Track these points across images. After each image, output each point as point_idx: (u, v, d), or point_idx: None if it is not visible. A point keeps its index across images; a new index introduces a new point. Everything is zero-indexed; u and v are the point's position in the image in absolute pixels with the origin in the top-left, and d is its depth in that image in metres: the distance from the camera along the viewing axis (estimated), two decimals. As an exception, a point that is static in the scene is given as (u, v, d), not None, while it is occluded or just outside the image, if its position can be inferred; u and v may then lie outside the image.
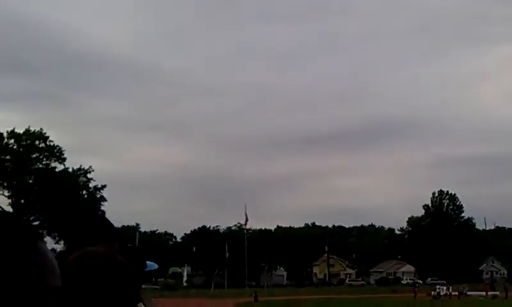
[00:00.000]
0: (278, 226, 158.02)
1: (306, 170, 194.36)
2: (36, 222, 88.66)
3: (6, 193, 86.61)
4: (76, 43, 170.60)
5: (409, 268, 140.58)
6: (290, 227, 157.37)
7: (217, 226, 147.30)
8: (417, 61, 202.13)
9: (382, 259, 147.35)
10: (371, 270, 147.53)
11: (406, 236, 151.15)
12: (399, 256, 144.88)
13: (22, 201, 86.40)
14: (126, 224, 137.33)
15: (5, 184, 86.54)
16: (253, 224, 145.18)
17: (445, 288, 78.78)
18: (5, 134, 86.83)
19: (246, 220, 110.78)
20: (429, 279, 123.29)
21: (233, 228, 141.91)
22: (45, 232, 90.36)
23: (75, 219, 3.11)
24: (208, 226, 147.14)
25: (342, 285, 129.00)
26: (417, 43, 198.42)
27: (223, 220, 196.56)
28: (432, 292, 73.91)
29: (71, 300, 1.62)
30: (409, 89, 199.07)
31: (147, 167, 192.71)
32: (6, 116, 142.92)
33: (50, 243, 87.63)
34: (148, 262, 4.54)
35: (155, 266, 4.80)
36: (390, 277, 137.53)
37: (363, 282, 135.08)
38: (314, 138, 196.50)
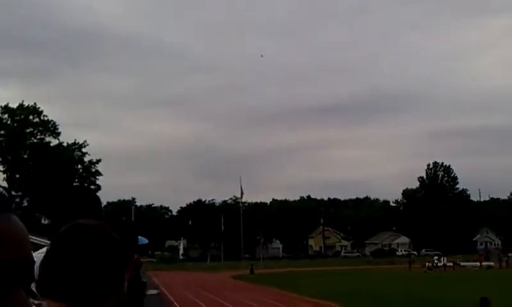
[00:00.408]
0: (273, 199, 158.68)
1: (301, 143, 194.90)
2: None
3: (1, 168, 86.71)
4: (72, 17, 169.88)
5: (404, 239, 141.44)
6: (285, 200, 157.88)
7: (212, 200, 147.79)
8: (412, 32, 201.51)
9: (377, 231, 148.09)
10: (366, 242, 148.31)
11: (401, 208, 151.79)
12: (394, 228, 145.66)
13: (17, 175, 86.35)
14: (122, 199, 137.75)
15: (0, 159, 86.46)
16: (249, 198, 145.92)
17: (443, 258, 79.12)
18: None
19: (242, 193, 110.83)
20: (424, 250, 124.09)
21: (229, 201, 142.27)
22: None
23: (61, 194, 3.09)
24: (203, 200, 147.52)
25: (337, 257, 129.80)
26: (413, 13, 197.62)
27: (218, 193, 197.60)
28: (427, 263, 74.30)
29: (61, 271, 1.62)
30: (404, 60, 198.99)
31: (143, 141, 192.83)
32: (1, 91, 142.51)
33: (43, 219, 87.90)
34: (139, 237, 4.56)
35: (145, 240, 4.82)
36: (385, 248, 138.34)
37: (358, 254, 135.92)
38: (309, 111, 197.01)
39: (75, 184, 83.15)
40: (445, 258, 79.84)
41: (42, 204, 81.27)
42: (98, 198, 3.35)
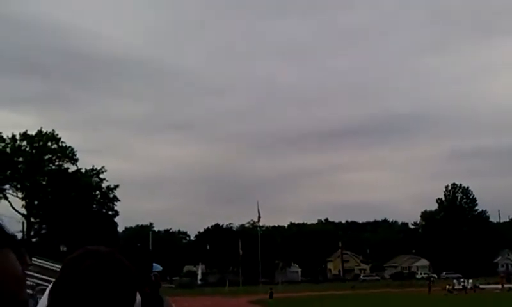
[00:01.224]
0: (291, 223, 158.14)
1: (318, 166, 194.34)
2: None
3: (20, 195, 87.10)
4: (88, 44, 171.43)
5: (423, 262, 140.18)
6: (303, 223, 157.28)
7: (230, 224, 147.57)
8: (429, 54, 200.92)
9: (396, 254, 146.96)
10: (385, 265, 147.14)
11: (419, 231, 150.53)
12: (413, 251, 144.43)
13: (36, 202, 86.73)
14: (140, 224, 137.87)
15: (18, 186, 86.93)
16: (266, 221, 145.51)
17: (464, 281, 78.20)
18: (17, 136, 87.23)
19: (259, 217, 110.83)
20: (444, 273, 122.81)
21: (247, 225, 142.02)
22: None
23: (78, 221, 3.04)
24: (221, 224, 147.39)
25: (356, 280, 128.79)
26: (429, 36, 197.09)
27: (236, 218, 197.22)
28: (447, 286, 73.50)
29: (71, 298, 1.62)
30: (420, 82, 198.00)
31: (160, 166, 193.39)
32: (19, 118, 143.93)
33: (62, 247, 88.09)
34: (153, 264, 4.51)
35: (160, 267, 4.79)
36: (404, 271, 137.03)
37: (377, 277, 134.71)
38: (327, 133, 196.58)
39: (92, 209, 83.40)
40: (466, 281, 78.95)
41: (60, 231, 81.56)
42: (114, 223, 3.29)
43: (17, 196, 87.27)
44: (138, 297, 3.83)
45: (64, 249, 75.93)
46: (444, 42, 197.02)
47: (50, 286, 1.76)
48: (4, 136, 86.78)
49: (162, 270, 5.10)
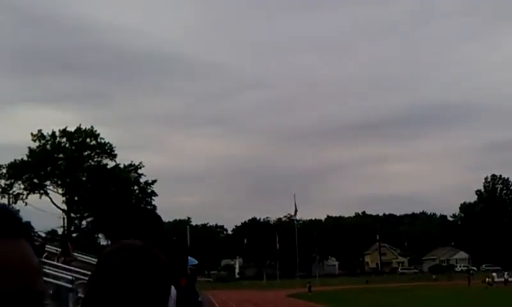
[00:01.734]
0: (328, 216, 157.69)
1: (355, 158, 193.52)
2: (89, 219, 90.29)
3: (60, 191, 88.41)
4: (127, 41, 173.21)
5: (462, 255, 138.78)
6: (340, 216, 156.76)
7: (267, 218, 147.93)
8: (466, 43, 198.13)
9: (435, 247, 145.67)
10: (424, 258, 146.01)
11: (458, 223, 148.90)
12: (452, 243, 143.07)
13: (76, 198, 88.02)
14: (177, 219, 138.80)
15: (59, 182, 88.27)
16: (303, 215, 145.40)
17: (505, 273, 77.22)
18: (57, 133, 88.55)
19: (296, 211, 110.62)
20: (484, 265, 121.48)
21: (283, 219, 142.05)
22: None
23: (123, 214, 3.19)
24: (258, 218, 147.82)
25: (394, 274, 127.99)
26: (469, 23, 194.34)
27: (273, 211, 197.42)
28: (487, 279, 72.65)
29: (106, 291, 1.66)
30: (461, 71, 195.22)
31: (197, 161, 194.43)
32: (59, 115, 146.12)
33: (102, 239, 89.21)
34: (189, 258, 4.64)
35: (195, 261, 4.93)
36: (443, 264, 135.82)
37: (416, 270, 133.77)
38: (363, 126, 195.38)
39: (135, 203, 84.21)
40: (507, 273, 77.98)
41: (103, 225, 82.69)
42: (159, 218, 3.45)
43: (58, 192, 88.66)
44: (173, 291, 4.03)
45: (106, 242, 76.83)
46: (483, 30, 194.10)
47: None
48: (45, 133, 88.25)
49: (199, 264, 5.25)
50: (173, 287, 3.97)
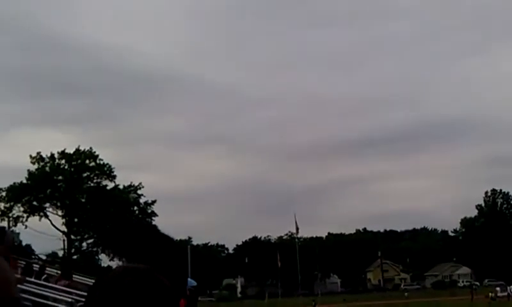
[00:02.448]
0: (329, 233, 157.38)
1: (355, 175, 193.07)
2: (90, 241, 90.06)
3: (60, 213, 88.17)
4: (127, 61, 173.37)
5: (465, 270, 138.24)
6: (341, 233, 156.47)
7: (268, 236, 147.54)
8: (465, 58, 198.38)
9: (437, 263, 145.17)
10: (426, 274, 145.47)
11: (460, 238, 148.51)
12: (454, 259, 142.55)
13: (76, 219, 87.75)
14: (178, 238, 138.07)
15: (58, 204, 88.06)
16: (304, 233, 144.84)
17: (510, 288, 76.67)
18: (56, 155, 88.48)
19: (297, 229, 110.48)
20: (487, 280, 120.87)
21: (285, 237, 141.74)
22: (99, 249, 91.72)
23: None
24: (259, 237, 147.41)
25: (397, 290, 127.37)
26: (470, 39, 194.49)
27: (274, 230, 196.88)
28: (490, 294, 72.27)
29: None
30: (461, 87, 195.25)
31: (197, 180, 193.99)
32: (58, 136, 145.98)
33: (105, 260, 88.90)
34: (188, 279, 4.52)
35: (194, 283, 4.83)
36: (446, 280, 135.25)
37: (418, 286, 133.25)
38: (362, 143, 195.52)
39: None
40: (510, 288, 77.51)
41: (105, 247, 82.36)
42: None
43: (57, 214, 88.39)
44: None
45: (115, 260, 76.58)
46: (486, 45, 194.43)
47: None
48: (44, 155, 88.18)
49: (200, 283, 5.14)
50: None
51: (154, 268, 1.75)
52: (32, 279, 14.90)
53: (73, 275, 17.36)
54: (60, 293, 13.34)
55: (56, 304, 13.24)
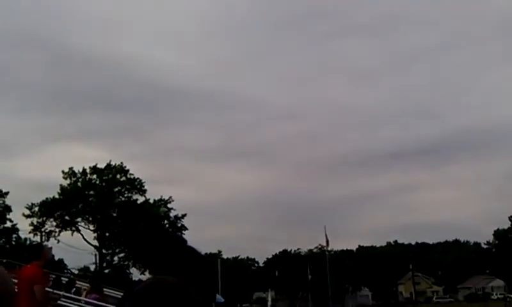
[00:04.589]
0: (359, 246, 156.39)
1: (386, 187, 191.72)
2: (122, 254, 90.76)
3: (92, 227, 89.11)
4: (157, 75, 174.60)
5: (498, 282, 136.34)
6: (372, 246, 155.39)
7: (298, 249, 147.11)
8: (500, 67, 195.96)
9: (470, 275, 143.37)
10: (459, 287, 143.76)
11: (493, 250, 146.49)
12: (488, 271, 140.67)
13: (107, 234, 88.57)
14: (208, 252, 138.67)
15: (90, 219, 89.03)
16: (334, 245, 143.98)
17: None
18: (88, 170, 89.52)
19: (327, 241, 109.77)
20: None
21: (315, 250, 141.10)
22: (130, 263, 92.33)
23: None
24: (289, 250, 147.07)
25: (429, 303, 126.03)
26: (499, 48, 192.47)
27: (303, 243, 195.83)
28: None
29: None
30: (492, 96, 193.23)
31: (227, 193, 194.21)
32: (89, 152, 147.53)
33: (136, 274, 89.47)
34: (216, 295, 4.67)
35: (222, 300, 4.90)
36: (479, 292, 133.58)
37: (451, 299, 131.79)
38: (392, 154, 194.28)
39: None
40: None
41: (136, 260, 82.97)
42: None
43: (89, 229, 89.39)
44: None
45: (145, 273, 76.99)
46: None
47: None
48: (76, 170, 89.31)
49: (230, 298, 5.24)
50: None
51: (183, 281, 1.77)
52: (62, 293, 15.19)
53: (104, 289, 17.62)
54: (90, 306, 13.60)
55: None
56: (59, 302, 13.93)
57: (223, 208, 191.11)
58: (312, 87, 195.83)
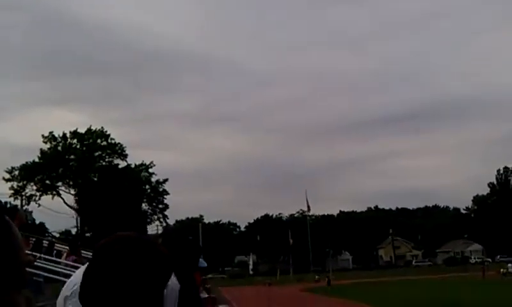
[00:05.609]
0: (340, 211, 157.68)
1: (367, 153, 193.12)
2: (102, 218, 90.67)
3: (73, 191, 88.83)
4: (140, 40, 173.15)
5: (477, 247, 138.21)
6: (353, 211, 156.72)
7: (280, 214, 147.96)
8: (487, 34, 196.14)
9: (448, 240, 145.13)
10: (438, 251, 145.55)
11: (472, 215, 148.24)
12: (466, 236, 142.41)
13: (88, 198, 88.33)
14: (190, 216, 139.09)
15: (71, 183, 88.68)
16: (316, 210, 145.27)
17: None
18: (68, 135, 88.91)
19: (308, 207, 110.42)
20: (499, 256, 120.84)
21: (296, 215, 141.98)
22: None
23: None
24: (271, 214, 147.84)
25: (408, 266, 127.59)
26: (487, 16, 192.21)
27: (285, 207, 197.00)
28: (502, 270, 72.29)
29: (101, 283, 1.68)
30: (475, 64, 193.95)
31: (208, 158, 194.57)
32: (72, 116, 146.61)
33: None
34: (200, 259, 4.72)
35: (205, 264, 4.99)
36: (457, 256, 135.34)
37: (430, 263, 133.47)
38: (374, 121, 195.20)
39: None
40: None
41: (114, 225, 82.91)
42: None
43: (70, 193, 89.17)
44: (177, 284, 3.94)
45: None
46: (503, 21, 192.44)
47: (84, 266, 1.83)
48: (56, 135, 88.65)
49: (213, 260, 5.29)
50: (176, 281, 3.87)
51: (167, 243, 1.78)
52: (42, 255, 15.15)
53: (82, 252, 17.61)
54: (69, 269, 13.57)
55: (65, 279, 13.41)
56: (39, 264, 13.83)
57: (205, 173, 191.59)
58: (295, 54, 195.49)
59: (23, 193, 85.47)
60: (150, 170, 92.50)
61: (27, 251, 14.37)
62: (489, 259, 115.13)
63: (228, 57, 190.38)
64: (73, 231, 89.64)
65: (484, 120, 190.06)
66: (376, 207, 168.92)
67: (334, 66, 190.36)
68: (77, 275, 2.09)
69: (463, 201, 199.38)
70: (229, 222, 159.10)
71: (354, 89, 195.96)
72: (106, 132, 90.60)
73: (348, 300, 43.73)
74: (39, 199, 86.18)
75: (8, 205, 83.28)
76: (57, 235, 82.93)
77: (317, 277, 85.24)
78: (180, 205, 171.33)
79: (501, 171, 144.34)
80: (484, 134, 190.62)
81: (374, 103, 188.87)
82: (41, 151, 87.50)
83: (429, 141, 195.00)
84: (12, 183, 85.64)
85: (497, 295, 39.90)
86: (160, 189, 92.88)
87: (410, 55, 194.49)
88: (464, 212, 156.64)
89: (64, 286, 2.28)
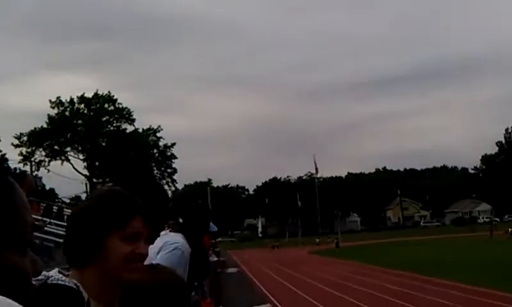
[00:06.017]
0: (348, 173, 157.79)
1: (375, 114, 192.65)
2: (111, 183, 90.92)
3: (81, 156, 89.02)
4: (146, 4, 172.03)
5: (485, 206, 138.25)
6: (361, 173, 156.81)
7: (288, 177, 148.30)
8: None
9: (457, 200, 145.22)
10: (446, 211, 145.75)
11: (480, 175, 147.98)
12: (474, 195, 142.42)
13: (97, 163, 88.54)
14: (198, 181, 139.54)
15: (79, 148, 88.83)
16: (324, 173, 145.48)
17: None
18: (75, 100, 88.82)
19: (316, 169, 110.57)
20: (507, 216, 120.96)
21: (304, 177, 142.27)
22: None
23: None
24: (279, 177, 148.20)
25: (416, 227, 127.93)
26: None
27: (293, 170, 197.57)
28: (510, 229, 72.26)
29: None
30: (483, 23, 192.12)
31: (216, 122, 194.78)
32: (79, 81, 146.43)
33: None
34: (210, 224, 4.79)
35: (215, 228, 5.02)
36: (465, 217, 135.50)
37: (438, 223, 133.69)
38: (382, 81, 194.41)
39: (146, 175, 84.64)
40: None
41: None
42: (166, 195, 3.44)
43: (78, 158, 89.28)
44: (187, 248, 3.99)
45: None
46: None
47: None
48: (63, 100, 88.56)
49: (223, 223, 5.35)
50: (187, 244, 3.91)
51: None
52: (52, 221, 15.23)
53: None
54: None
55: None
56: (49, 229, 13.92)
57: (213, 137, 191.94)
58: (303, 15, 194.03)
59: (32, 159, 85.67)
60: (158, 134, 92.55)
61: (37, 216, 14.48)
62: (497, 219, 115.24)
63: (236, 19, 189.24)
64: (83, 196, 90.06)
65: (493, 79, 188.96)
66: (384, 168, 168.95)
67: (340, 27, 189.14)
68: None
69: (471, 161, 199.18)
70: (237, 185, 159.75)
71: (361, 51, 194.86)
72: (113, 96, 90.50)
73: (357, 262, 43.89)
74: (48, 164, 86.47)
75: (18, 171, 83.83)
76: (67, 201, 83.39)
77: (317, 240, 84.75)
78: (189, 169, 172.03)
79: (509, 130, 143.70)
80: (492, 93, 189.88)
81: (381, 64, 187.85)
82: (49, 116, 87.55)
83: (437, 102, 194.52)
84: (21, 149, 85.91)
85: (504, 254, 39.86)
86: (168, 153, 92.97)
87: (417, 16, 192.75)
88: (472, 171, 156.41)
89: None
